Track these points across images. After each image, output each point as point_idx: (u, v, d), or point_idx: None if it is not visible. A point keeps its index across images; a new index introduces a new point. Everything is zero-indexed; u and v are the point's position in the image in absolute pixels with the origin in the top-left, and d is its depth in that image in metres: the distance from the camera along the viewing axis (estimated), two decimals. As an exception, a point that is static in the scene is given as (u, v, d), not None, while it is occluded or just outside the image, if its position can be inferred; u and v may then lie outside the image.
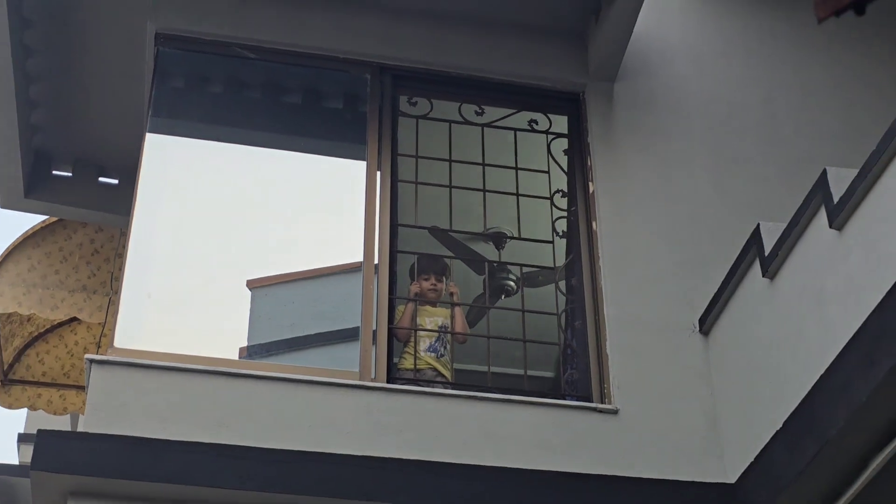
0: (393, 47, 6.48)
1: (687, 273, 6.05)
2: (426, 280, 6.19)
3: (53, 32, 6.71)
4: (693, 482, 5.39)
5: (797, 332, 5.08)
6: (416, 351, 5.92)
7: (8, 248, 7.84)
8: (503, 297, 7.51)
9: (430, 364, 5.92)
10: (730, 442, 5.53)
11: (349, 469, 5.12)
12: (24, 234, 7.91)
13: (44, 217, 7.91)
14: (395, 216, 6.08)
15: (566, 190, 6.45)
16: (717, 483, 5.40)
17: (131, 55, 6.72)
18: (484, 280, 6.86)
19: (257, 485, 5.01)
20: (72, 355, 8.38)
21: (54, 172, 7.56)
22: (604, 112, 6.53)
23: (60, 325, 8.30)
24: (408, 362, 5.90)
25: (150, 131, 6.14)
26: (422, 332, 5.98)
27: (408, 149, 6.36)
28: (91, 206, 7.59)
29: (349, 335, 5.80)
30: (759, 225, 5.49)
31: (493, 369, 5.96)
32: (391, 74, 6.49)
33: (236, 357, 5.78)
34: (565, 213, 6.39)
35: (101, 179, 7.65)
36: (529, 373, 5.95)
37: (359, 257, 5.92)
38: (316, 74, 6.55)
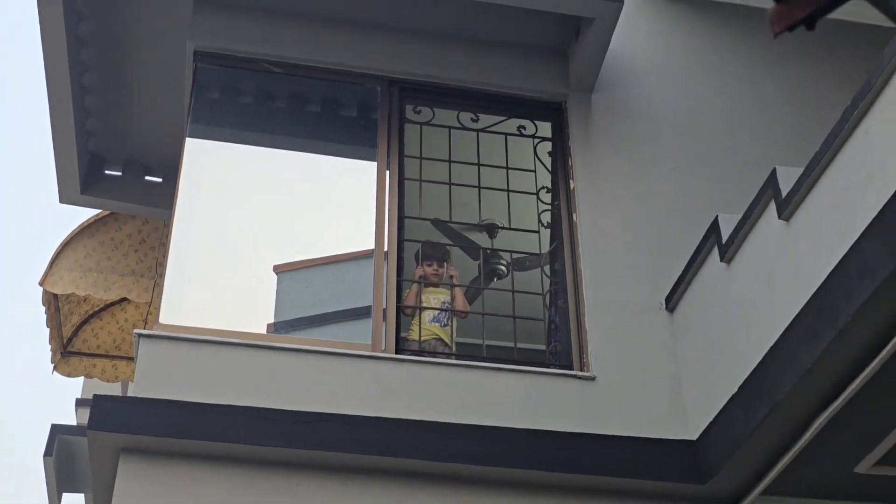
0: (400, 63, 6.47)
1: (655, 258, 6.06)
2: (429, 265, 6.20)
3: (105, 51, 6.71)
4: (660, 439, 5.40)
5: (750, 310, 5.09)
6: (420, 324, 5.93)
7: (66, 238, 7.84)
8: (495, 279, 7.52)
9: (435, 334, 5.93)
10: (692, 404, 5.53)
11: (362, 428, 5.13)
12: (80, 225, 7.91)
13: (97, 211, 7.91)
14: (401, 209, 6.08)
15: (550, 187, 6.45)
16: (681, 440, 5.41)
17: (173, 70, 6.72)
18: (479, 265, 6.86)
19: (283, 442, 5.03)
20: (122, 330, 8.39)
21: (106, 172, 7.56)
22: (583, 119, 6.52)
23: (112, 304, 8.30)
24: (414, 333, 5.92)
25: (189, 136, 6.14)
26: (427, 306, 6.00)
27: (413, 151, 6.36)
28: (138, 202, 7.58)
29: (362, 313, 5.80)
30: (717, 217, 5.48)
31: (488, 342, 5.98)
32: (398, 87, 6.48)
33: (265, 332, 5.79)
34: (549, 207, 6.39)
35: (147, 178, 7.64)
36: (519, 345, 5.95)
37: (370, 245, 5.92)
38: (333, 87, 6.55)
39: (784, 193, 4.85)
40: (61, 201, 7.44)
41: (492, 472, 5.18)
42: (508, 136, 6.53)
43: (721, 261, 5.38)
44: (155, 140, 7.36)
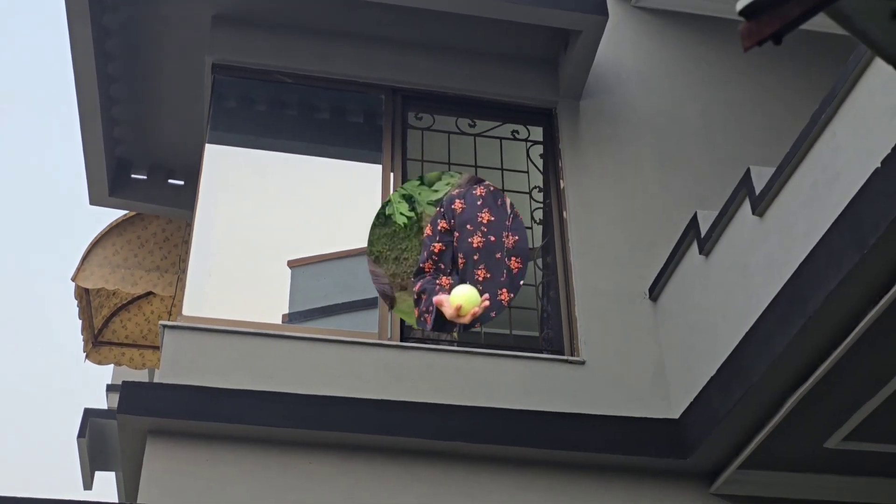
0: (403, 73, 6.46)
1: (639, 252, 6.05)
2: (431, 259, 6.19)
3: (131, 64, 6.70)
4: (644, 418, 5.40)
5: (727, 298, 5.09)
6: (423, 316, 5.92)
7: (96, 237, 7.84)
8: (492, 272, 7.51)
9: (437, 323, 5.92)
10: (674, 385, 5.54)
11: (369, 410, 5.13)
12: (108, 225, 7.91)
13: (124, 212, 7.90)
14: (405, 208, 6.08)
15: (542, 186, 6.44)
16: (664, 419, 5.41)
17: (193, 82, 6.71)
18: (477, 259, 6.85)
19: (296, 423, 5.03)
20: (148, 322, 8.39)
21: (133, 176, 7.55)
22: (572, 124, 6.52)
23: (139, 297, 8.30)
24: (418, 323, 5.91)
25: (209, 142, 6.13)
26: (428, 301, 5.99)
27: (415, 154, 6.35)
28: (162, 203, 7.58)
29: (370, 304, 5.80)
30: (696, 213, 5.48)
31: (486, 330, 5.97)
32: (401, 95, 6.47)
33: (280, 322, 5.78)
34: (541, 205, 6.38)
35: (170, 181, 7.63)
36: (514, 332, 5.95)
37: (377, 241, 5.92)
38: (341, 95, 6.54)
39: (758, 191, 4.84)
40: (91, 203, 7.44)
41: (489, 449, 5.17)
42: (503, 140, 6.52)
43: (700, 253, 5.38)
44: (177, 146, 7.36)
